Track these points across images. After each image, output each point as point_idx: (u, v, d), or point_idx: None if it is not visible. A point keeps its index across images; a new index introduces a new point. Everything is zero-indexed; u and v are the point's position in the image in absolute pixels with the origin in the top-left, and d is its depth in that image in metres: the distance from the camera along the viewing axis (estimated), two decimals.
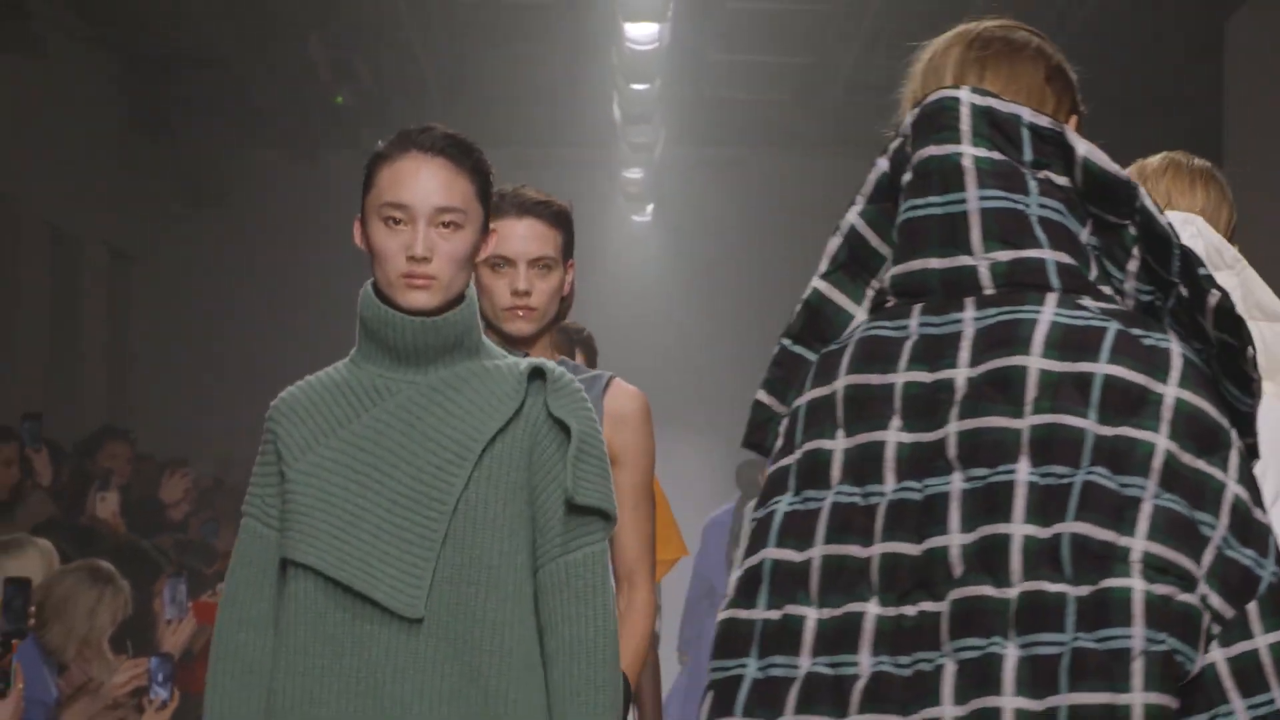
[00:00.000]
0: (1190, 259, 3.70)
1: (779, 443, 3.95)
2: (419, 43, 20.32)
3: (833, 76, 22.41)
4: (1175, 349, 3.66)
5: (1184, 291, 3.68)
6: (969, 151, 3.76)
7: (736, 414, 16.17)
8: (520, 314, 5.98)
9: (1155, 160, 5.90)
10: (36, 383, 18.65)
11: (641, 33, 21.65)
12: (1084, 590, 3.64)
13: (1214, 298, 3.66)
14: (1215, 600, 3.64)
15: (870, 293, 3.91)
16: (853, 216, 3.93)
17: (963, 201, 3.71)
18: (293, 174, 23.39)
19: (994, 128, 3.78)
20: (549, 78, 23.12)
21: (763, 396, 4.07)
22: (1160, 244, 3.71)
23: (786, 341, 4.02)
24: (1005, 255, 3.69)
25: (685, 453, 21.83)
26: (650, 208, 29.08)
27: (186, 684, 11.53)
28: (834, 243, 3.93)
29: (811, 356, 3.96)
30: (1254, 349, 3.73)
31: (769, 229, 25.66)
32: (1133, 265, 3.72)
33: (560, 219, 6.31)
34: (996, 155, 3.76)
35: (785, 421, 4.00)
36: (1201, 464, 3.63)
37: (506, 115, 22.23)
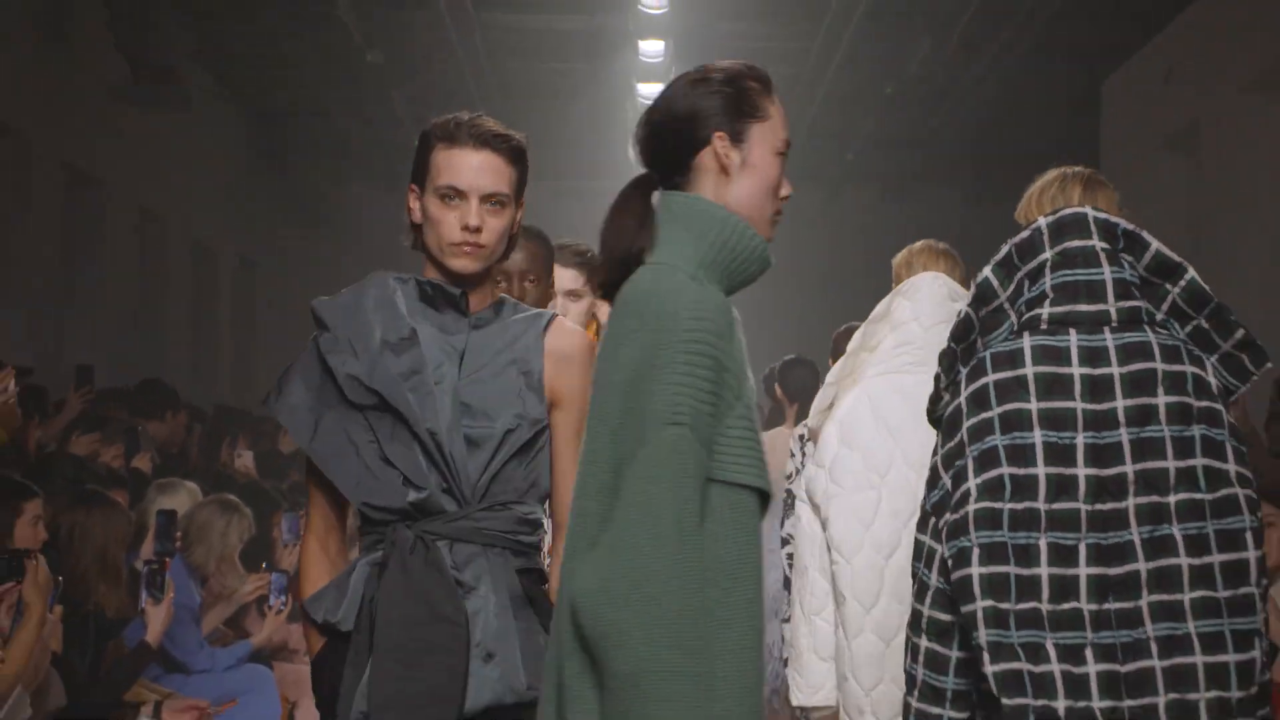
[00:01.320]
0: (1222, 308, 4.67)
1: (951, 408, 4.72)
2: (480, 101, 20.33)
3: (798, 126, 22.34)
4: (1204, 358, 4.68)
5: (1205, 324, 4.67)
6: (1098, 245, 4.67)
7: None
8: (468, 250, 4.83)
9: (1051, 175, 5.55)
10: (184, 364, 18.73)
11: (651, 90, 21.79)
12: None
13: (1241, 331, 4.67)
14: None
15: (1013, 319, 4.72)
16: (987, 272, 4.76)
17: (1100, 273, 4.64)
18: (379, 201, 23.36)
19: (1106, 230, 4.71)
20: (580, 128, 23.16)
21: (941, 380, 4.81)
22: (1201, 298, 4.66)
23: (951, 344, 4.77)
24: (1125, 304, 4.62)
25: None
26: None
27: (298, 595, 11.63)
28: (977, 285, 4.76)
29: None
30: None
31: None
32: (1165, 307, 4.67)
33: (517, 155, 5.07)
34: (1108, 246, 4.68)
35: (967, 393, 4.70)
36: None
37: (549, 157, 22.24)
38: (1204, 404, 4.60)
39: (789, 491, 8.76)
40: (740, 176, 4.29)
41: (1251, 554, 4.55)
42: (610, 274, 4.24)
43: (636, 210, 4.29)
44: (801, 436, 8.46)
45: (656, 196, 4.33)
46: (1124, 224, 4.74)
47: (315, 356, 4.78)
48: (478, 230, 4.81)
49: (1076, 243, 4.71)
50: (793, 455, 8.69)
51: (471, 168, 4.81)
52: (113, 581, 7.94)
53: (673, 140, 4.33)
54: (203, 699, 8.23)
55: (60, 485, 8.34)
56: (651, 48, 19.64)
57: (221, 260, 21.09)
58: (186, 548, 9.54)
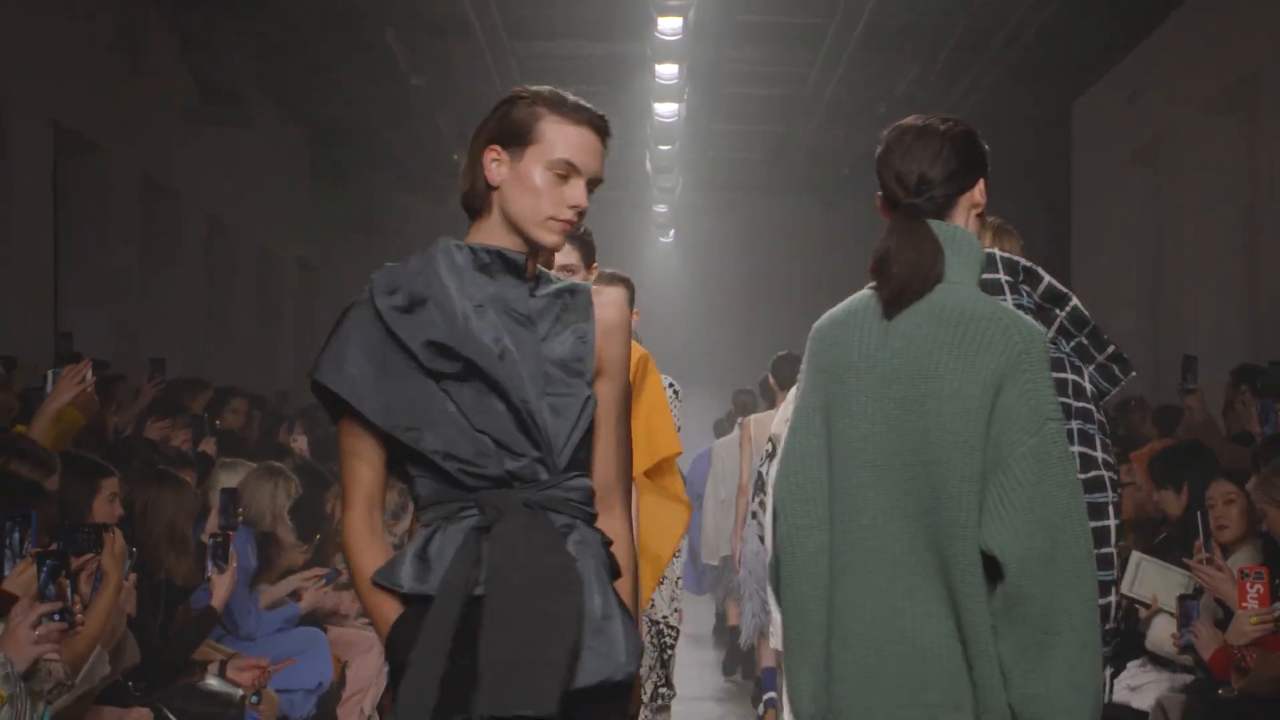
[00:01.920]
0: (1097, 329, 5.23)
1: None
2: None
3: (799, 143, 22.25)
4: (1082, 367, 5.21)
5: (1084, 341, 5.19)
6: (1003, 278, 5.18)
7: (737, 382, 16.39)
8: (563, 228, 4.43)
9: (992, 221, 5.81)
10: (248, 357, 18.78)
11: (666, 110, 21.76)
12: None
13: (1111, 347, 5.24)
14: None
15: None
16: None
17: (1004, 300, 5.03)
18: (424, 211, 23.38)
19: (1009, 267, 5.22)
20: None
21: None
22: (1081, 320, 5.20)
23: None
24: None
25: (696, 422, 21.80)
26: (672, 233, 29.06)
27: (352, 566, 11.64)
28: None
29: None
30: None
31: (756, 249, 25.74)
32: (1054, 327, 5.16)
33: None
34: (1010, 279, 5.20)
35: None
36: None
37: None
38: (1080, 404, 5.14)
39: (759, 474, 9.00)
40: None
41: (1111, 522, 5.18)
42: (914, 289, 4.39)
43: (932, 238, 4.42)
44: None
45: (933, 226, 4.48)
46: (1023, 262, 5.25)
47: (374, 326, 4.28)
48: (583, 212, 4.46)
49: (988, 276, 5.02)
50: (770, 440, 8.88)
51: (591, 150, 4.42)
52: (181, 552, 7.97)
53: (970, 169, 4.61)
54: (262, 658, 8.26)
55: (135, 466, 8.36)
56: (667, 71, 19.61)
57: (283, 264, 21.13)
58: (244, 512, 9.56)
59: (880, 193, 4.59)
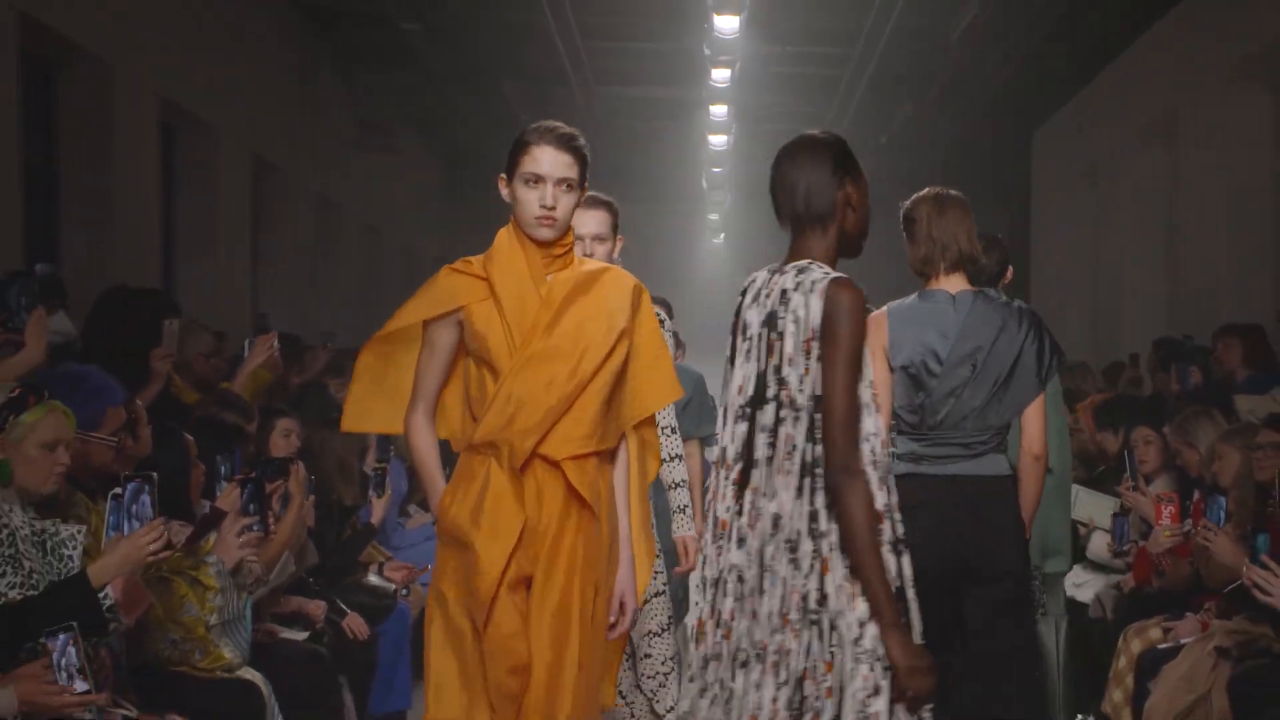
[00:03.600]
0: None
1: None
2: (598, 150, 20.39)
3: None
4: None
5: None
6: None
7: None
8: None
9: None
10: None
11: (718, 140, 21.78)
12: None
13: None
14: None
15: None
16: None
17: None
18: None
19: None
20: (667, 167, 23.14)
21: None
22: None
23: None
24: None
25: None
26: (722, 236, 29.07)
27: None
28: None
29: None
30: None
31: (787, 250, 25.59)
32: None
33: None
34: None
35: None
36: None
37: (646, 187, 22.28)
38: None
39: None
40: None
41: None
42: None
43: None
44: None
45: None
46: None
47: None
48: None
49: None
50: None
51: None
52: (348, 480, 7.99)
53: None
54: (409, 563, 8.30)
55: (312, 413, 8.42)
56: (718, 111, 19.64)
57: (422, 260, 21.17)
58: (396, 448, 9.56)
59: None
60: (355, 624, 7.14)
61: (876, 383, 4.03)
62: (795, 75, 17.48)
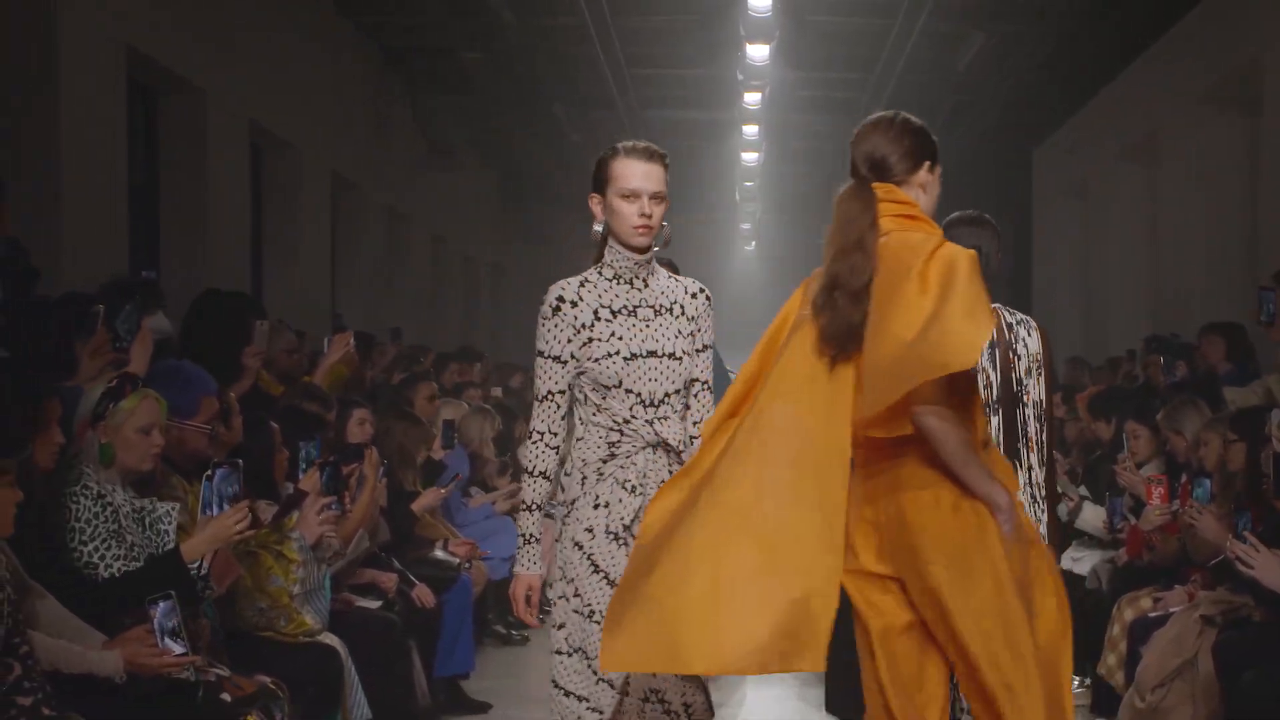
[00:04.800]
0: None
1: None
2: None
3: (842, 180, 22.08)
4: None
5: None
6: None
7: None
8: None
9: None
10: (456, 331, 18.83)
11: (750, 157, 21.73)
12: None
13: None
14: None
15: None
16: None
17: None
18: (578, 227, 23.36)
19: None
20: (704, 183, 23.12)
21: None
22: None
23: None
24: None
25: None
26: (753, 244, 29.00)
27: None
28: None
29: None
30: None
31: (813, 258, 25.48)
32: None
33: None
34: None
35: None
36: None
37: (691, 198, 22.26)
38: None
39: None
40: None
41: None
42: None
43: None
44: None
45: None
46: None
47: None
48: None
49: None
50: None
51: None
52: (407, 467, 7.94)
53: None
54: (472, 540, 8.29)
55: (385, 405, 8.43)
56: (750, 130, 19.60)
57: (480, 267, 21.20)
58: (459, 436, 9.55)
59: None
60: (423, 594, 7.14)
61: None
62: (819, 98, 17.43)
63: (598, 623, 3.99)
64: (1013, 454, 4.66)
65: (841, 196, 3.84)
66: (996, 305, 4.52)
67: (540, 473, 4.15)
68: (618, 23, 13.78)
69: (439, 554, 7.86)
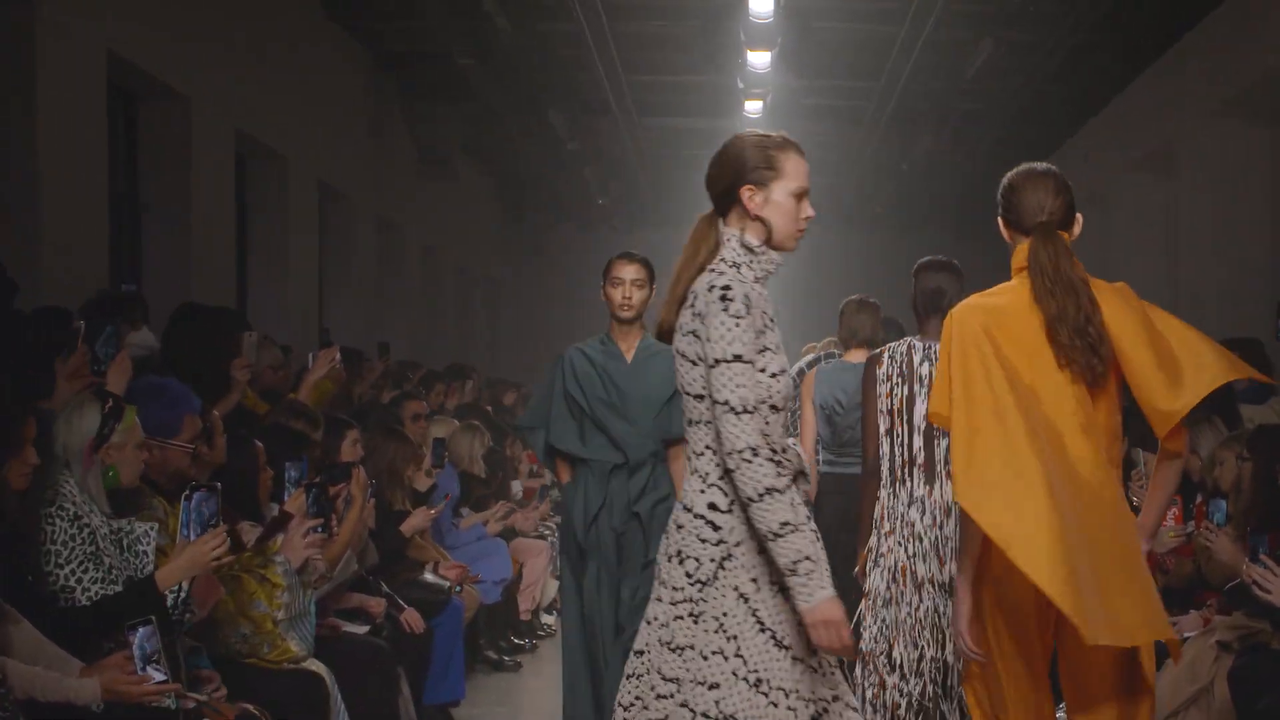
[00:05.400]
0: None
1: None
2: (641, 174, 20.40)
3: (847, 188, 22.05)
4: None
5: None
6: None
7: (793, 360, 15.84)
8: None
9: None
10: (451, 346, 18.83)
11: None
12: None
13: None
14: None
15: None
16: None
17: None
18: (575, 238, 23.45)
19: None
20: (702, 190, 23.08)
21: None
22: None
23: None
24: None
25: None
26: None
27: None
28: None
29: None
30: None
31: (815, 266, 25.57)
32: None
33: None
34: None
35: None
36: None
37: (684, 208, 22.21)
38: None
39: None
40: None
41: None
42: None
43: None
44: None
45: None
46: None
47: None
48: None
49: None
50: None
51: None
52: (395, 486, 7.94)
53: None
54: (463, 563, 8.27)
55: (373, 424, 8.41)
56: None
57: (477, 279, 21.21)
58: (450, 455, 9.54)
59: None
60: (412, 619, 7.12)
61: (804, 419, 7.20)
62: (823, 107, 17.42)
63: (765, 694, 3.59)
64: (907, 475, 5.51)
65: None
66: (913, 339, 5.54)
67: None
68: (615, 28, 13.78)
69: (429, 577, 7.84)
